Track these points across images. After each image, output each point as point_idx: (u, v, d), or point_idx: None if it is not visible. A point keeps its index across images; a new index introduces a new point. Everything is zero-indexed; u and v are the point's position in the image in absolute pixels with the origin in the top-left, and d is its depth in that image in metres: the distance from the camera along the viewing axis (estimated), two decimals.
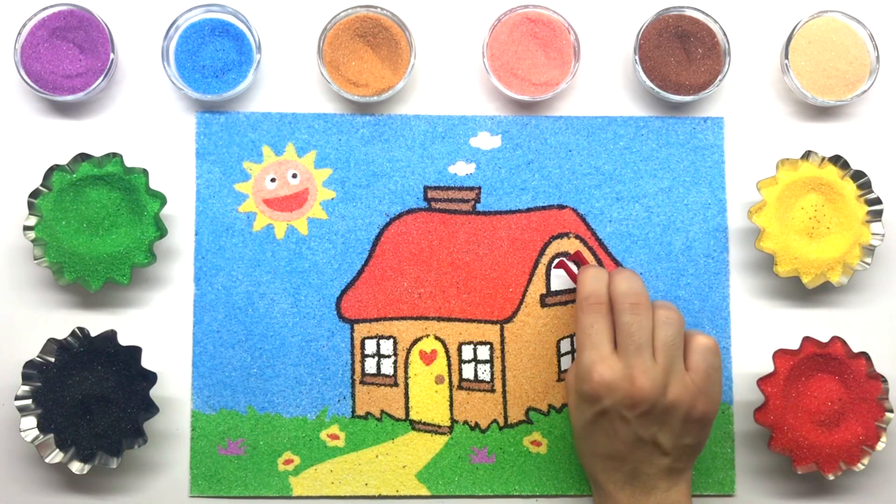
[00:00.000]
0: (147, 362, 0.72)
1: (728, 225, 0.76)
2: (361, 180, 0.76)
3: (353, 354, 0.75)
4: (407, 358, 0.75)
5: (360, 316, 0.75)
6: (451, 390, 0.75)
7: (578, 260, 0.73)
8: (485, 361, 0.75)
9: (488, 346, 0.75)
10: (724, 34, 0.75)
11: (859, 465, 0.72)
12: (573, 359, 0.75)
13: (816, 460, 0.71)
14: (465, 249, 0.75)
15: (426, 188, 0.76)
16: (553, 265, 0.75)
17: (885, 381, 0.72)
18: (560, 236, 0.76)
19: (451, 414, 0.75)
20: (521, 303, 0.75)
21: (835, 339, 0.72)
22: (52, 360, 0.71)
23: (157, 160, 0.75)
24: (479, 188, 0.76)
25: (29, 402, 0.71)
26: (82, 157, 0.72)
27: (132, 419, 0.70)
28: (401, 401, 0.75)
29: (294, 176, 0.76)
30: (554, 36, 0.75)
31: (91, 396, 0.70)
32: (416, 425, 0.75)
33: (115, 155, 0.72)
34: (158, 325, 0.75)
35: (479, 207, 0.76)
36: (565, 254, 0.76)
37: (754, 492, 0.74)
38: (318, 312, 0.75)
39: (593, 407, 0.66)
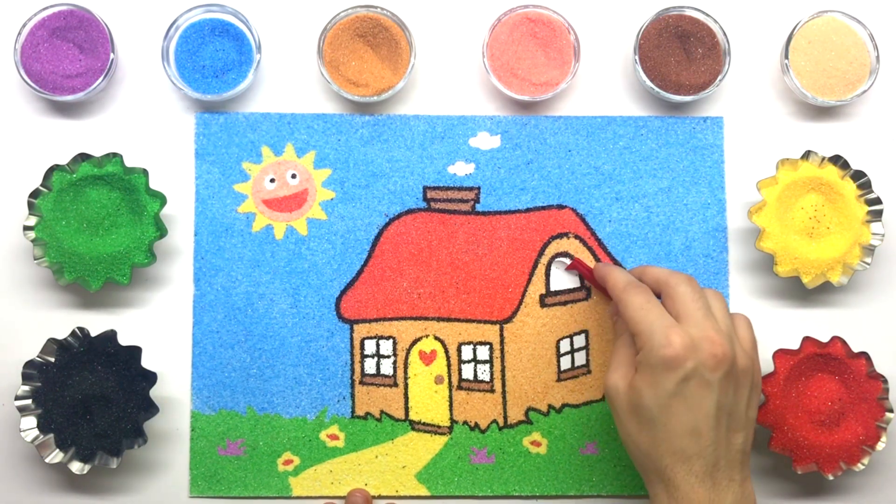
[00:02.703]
0: (147, 362, 0.72)
1: (728, 225, 0.76)
2: (361, 180, 0.76)
3: (352, 355, 0.75)
4: (406, 358, 0.75)
5: (360, 316, 0.75)
6: (450, 390, 0.75)
7: (577, 268, 0.73)
8: (484, 361, 0.75)
9: (488, 347, 0.75)
10: (724, 34, 0.75)
11: (859, 465, 0.72)
12: (573, 359, 0.75)
13: (816, 460, 0.71)
14: (465, 249, 0.75)
15: (425, 188, 0.76)
16: (565, 267, 0.75)
17: (885, 381, 0.72)
18: (559, 236, 0.76)
19: (451, 414, 0.75)
20: (520, 303, 0.75)
21: (835, 339, 0.72)
22: (52, 360, 0.71)
23: (157, 160, 0.75)
24: (479, 188, 0.76)
25: (29, 402, 0.71)
26: (82, 157, 0.72)
27: (132, 419, 0.70)
28: (400, 401, 0.75)
29: (293, 176, 0.76)
30: (554, 36, 0.75)
31: (91, 396, 0.70)
32: (415, 425, 0.75)
33: (115, 155, 0.72)
34: (158, 325, 0.75)
35: (479, 207, 0.76)
36: (564, 254, 0.76)
37: (754, 492, 0.74)
38: (318, 313, 0.75)
39: (676, 373, 0.63)
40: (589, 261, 0.75)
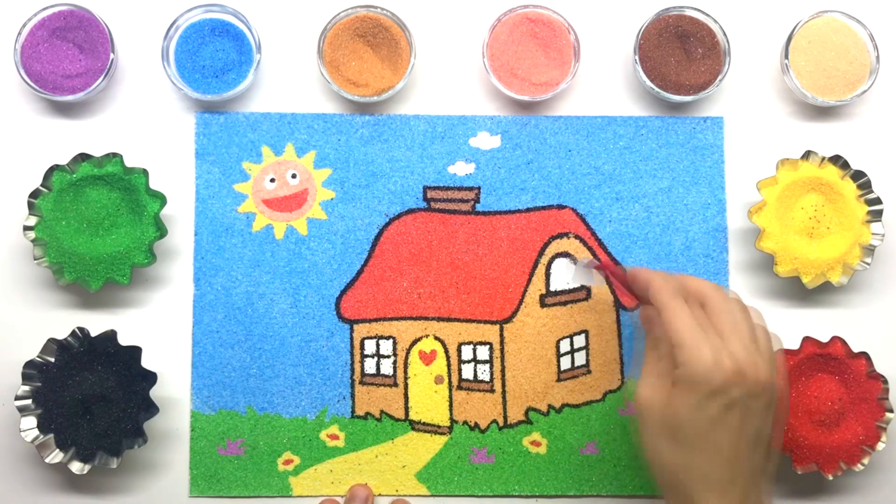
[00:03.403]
0: (147, 362, 0.72)
1: (728, 225, 0.76)
2: (361, 180, 0.76)
3: (352, 354, 0.75)
4: (406, 358, 0.75)
5: (360, 316, 0.75)
6: (450, 390, 0.75)
7: (605, 269, 0.72)
8: (484, 361, 0.75)
9: (488, 347, 0.75)
10: (724, 34, 0.75)
11: (859, 465, 0.72)
12: (573, 359, 0.75)
13: (816, 460, 0.71)
14: (465, 249, 0.75)
15: (426, 188, 0.76)
16: (594, 266, 0.73)
17: (885, 381, 0.72)
18: (560, 236, 0.76)
19: (451, 414, 0.75)
20: (520, 303, 0.75)
21: (835, 339, 0.72)
22: (52, 360, 0.71)
23: (157, 160, 0.75)
24: (479, 188, 0.76)
25: (29, 402, 0.71)
26: (82, 157, 0.72)
27: (132, 419, 0.70)
28: (400, 401, 0.75)
29: (293, 176, 0.76)
30: (554, 36, 0.75)
31: (91, 396, 0.70)
32: (415, 425, 0.75)
33: (115, 155, 0.72)
34: (158, 325, 0.75)
35: (479, 207, 0.76)
36: (565, 254, 0.75)
37: None
38: (318, 312, 0.75)
39: (721, 399, 0.60)
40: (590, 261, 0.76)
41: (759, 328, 0.64)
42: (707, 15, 0.75)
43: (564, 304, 0.75)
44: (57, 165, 0.72)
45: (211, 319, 0.75)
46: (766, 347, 0.63)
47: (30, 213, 0.72)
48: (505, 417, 0.75)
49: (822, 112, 0.77)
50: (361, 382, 0.75)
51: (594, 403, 0.75)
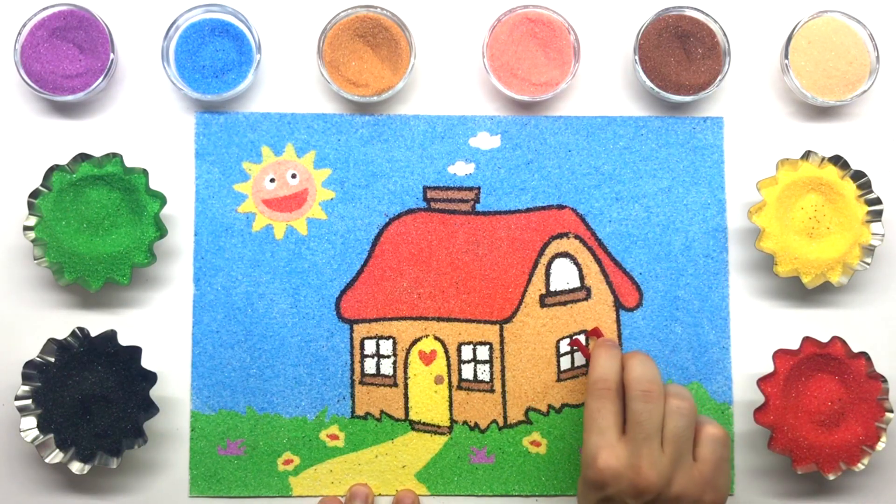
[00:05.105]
0: (147, 362, 0.72)
1: (728, 225, 0.76)
2: (361, 180, 0.76)
3: (352, 355, 0.75)
4: (406, 358, 0.75)
5: (360, 316, 0.75)
6: (450, 390, 0.75)
7: (595, 335, 0.73)
8: (484, 361, 0.75)
9: (488, 347, 0.75)
10: (724, 34, 0.75)
11: (859, 465, 0.72)
12: (573, 359, 0.75)
13: (816, 460, 0.71)
14: (465, 249, 0.75)
15: (425, 188, 0.76)
16: (567, 343, 0.75)
17: (885, 381, 0.72)
18: (559, 236, 0.76)
19: (451, 414, 0.75)
20: (520, 303, 0.75)
21: (835, 339, 0.72)
22: (52, 360, 0.71)
23: (157, 160, 0.75)
24: (479, 188, 0.76)
25: (29, 402, 0.71)
26: (82, 157, 0.72)
27: (132, 419, 0.70)
28: (400, 401, 0.75)
29: (293, 176, 0.76)
30: (554, 36, 0.75)
31: (91, 396, 0.70)
32: (415, 425, 0.75)
33: (115, 155, 0.72)
34: (158, 325, 0.75)
35: (479, 207, 0.76)
36: (565, 254, 0.76)
37: (754, 492, 0.74)
38: (318, 313, 0.75)
39: (597, 493, 0.64)
40: (591, 263, 0.75)
41: (673, 434, 0.65)
42: (707, 15, 0.75)
43: (564, 304, 0.75)
44: (57, 165, 0.72)
45: (211, 319, 0.75)
46: (672, 452, 0.64)
47: (30, 213, 0.72)
48: (505, 417, 0.75)
49: (822, 112, 0.77)
50: (361, 382, 0.75)
51: None
